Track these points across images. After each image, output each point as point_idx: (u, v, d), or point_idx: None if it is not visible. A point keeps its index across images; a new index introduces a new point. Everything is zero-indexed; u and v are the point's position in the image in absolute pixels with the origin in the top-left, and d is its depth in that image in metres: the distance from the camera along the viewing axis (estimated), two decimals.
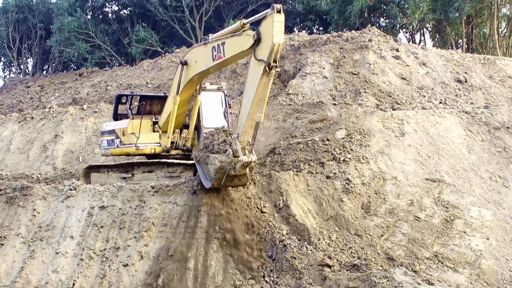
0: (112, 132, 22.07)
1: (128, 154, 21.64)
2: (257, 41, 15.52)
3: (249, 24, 16.72)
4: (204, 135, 20.29)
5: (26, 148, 31.80)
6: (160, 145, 21.07)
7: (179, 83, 19.66)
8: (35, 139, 32.15)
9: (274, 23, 14.98)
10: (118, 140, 21.50)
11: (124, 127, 21.27)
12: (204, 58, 18.26)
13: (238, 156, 15.82)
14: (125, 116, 22.51)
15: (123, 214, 17.11)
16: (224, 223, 16.58)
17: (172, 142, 21.08)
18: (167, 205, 17.19)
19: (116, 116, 23.17)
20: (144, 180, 20.11)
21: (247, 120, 15.79)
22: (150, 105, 23.00)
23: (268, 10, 15.26)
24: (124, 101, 23.66)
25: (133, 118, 21.58)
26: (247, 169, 16.48)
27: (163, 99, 22.04)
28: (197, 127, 21.19)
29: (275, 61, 15.10)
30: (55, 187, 18.50)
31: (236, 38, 16.59)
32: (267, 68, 15.09)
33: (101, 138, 23.21)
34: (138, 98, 23.20)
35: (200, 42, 19.40)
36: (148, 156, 21.32)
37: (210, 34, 18.98)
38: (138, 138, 20.68)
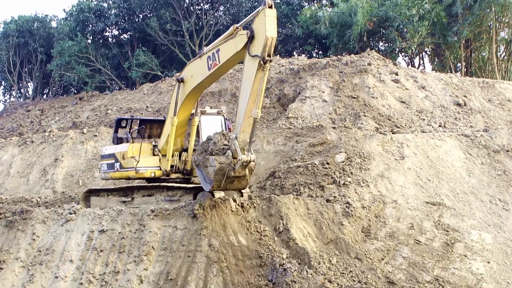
0: (111, 156, 22.04)
1: (128, 178, 21.61)
2: (251, 38, 15.95)
3: (241, 28, 16.95)
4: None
5: (26, 172, 31.79)
6: (160, 169, 21.06)
7: (176, 101, 19.78)
8: (35, 163, 32.15)
9: (266, 18, 15.42)
10: (118, 164, 21.47)
11: (124, 151, 21.26)
12: (200, 70, 18.59)
13: (237, 157, 16.01)
14: (124, 140, 22.55)
15: (123, 238, 17.07)
16: (224, 247, 16.54)
17: (172, 166, 21.09)
18: (167, 229, 17.16)
19: (116, 140, 23.18)
20: (144, 204, 20.07)
21: (245, 119, 16.10)
22: (150, 129, 23.08)
23: (260, 6, 15.77)
24: (124, 125, 23.66)
25: (133, 142, 21.63)
26: (247, 170, 16.64)
27: (162, 123, 22.11)
28: (196, 150, 21.21)
29: (269, 55, 15.48)
30: (54, 211, 18.47)
31: (230, 42, 17.01)
32: (261, 63, 15.48)
33: (101, 162, 23.10)
34: (138, 122, 23.29)
35: (195, 57, 19.64)
36: (148, 179, 21.31)
37: (205, 47, 19.31)
38: (138, 161, 20.68)
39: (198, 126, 21.17)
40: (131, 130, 22.97)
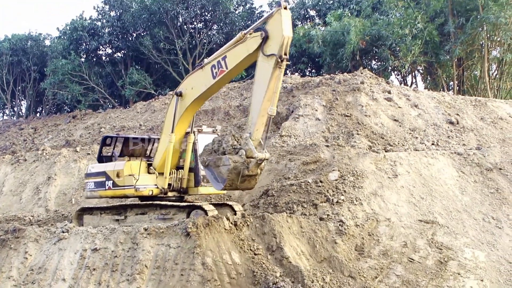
0: (101, 174, 21.82)
1: (124, 196, 21.53)
2: (265, 39, 16.68)
3: (252, 31, 17.36)
4: (202, 176, 20.62)
5: (18, 190, 31.70)
6: (157, 187, 20.99)
7: (174, 117, 19.86)
8: (28, 181, 32.08)
9: (283, 18, 16.39)
10: (111, 182, 21.35)
11: (119, 169, 21.16)
12: (202, 80, 18.96)
13: (252, 156, 16.45)
14: (109, 158, 22.53)
15: (116, 256, 17.01)
16: (217, 266, 16.50)
17: (168, 184, 21.05)
18: (160, 248, 17.10)
19: (101, 158, 23.09)
20: (137, 222, 20.02)
21: (259, 118, 16.65)
22: (133, 147, 23.06)
23: (274, 8, 16.83)
24: (108, 142, 23.57)
25: (129, 160, 21.66)
26: (259, 169, 17.05)
27: (145, 141, 22.26)
28: (192, 169, 21.19)
29: (285, 54, 16.31)
30: (47, 229, 18.42)
31: (239, 47, 17.62)
32: (279, 60, 16.22)
33: (87, 180, 22.78)
34: (122, 140, 23.27)
35: (195, 69, 19.89)
36: (143, 198, 21.26)
37: (205, 59, 19.57)
38: (137, 180, 20.61)
39: (194, 144, 21.14)
40: (114, 148, 22.99)
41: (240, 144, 16.88)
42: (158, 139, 23.31)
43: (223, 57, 18.16)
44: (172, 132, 20.08)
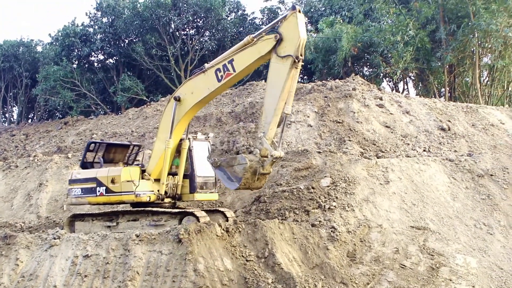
0: (91, 179, 21.67)
1: (121, 202, 21.45)
2: (279, 41, 17.41)
3: (264, 33, 18.15)
4: (198, 183, 20.83)
5: (10, 197, 31.58)
6: (154, 193, 20.94)
7: (173, 121, 19.93)
8: (19, 188, 31.97)
9: (298, 20, 17.20)
10: (103, 188, 21.24)
11: (115, 175, 21.11)
12: (205, 84, 19.37)
13: (266, 155, 17.36)
14: (92, 165, 22.48)
15: (107, 263, 16.98)
16: (209, 272, 16.49)
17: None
18: (152, 254, 17.09)
19: (85, 164, 22.96)
20: (129, 228, 19.98)
21: (274, 118, 17.37)
22: (114, 153, 23.05)
23: (288, 11, 17.67)
24: (92, 148, 23.47)
25: (127, 165, 21.66)
26: (271, 168, 17.84)
27: (126, 148, 22.39)
28: (187, 175, 21.19)
29: (301, 55, 17.30)
30: (38, 236, 18.37)
31: (249, 49, 18.31)
32: (296, 60, 17.19)
33: (71, 186, 22.45)
34: (105, 146, 23.25)
35: (194, 74, 20.16)
36: (136, 204, 21.20)
37: (206, 64, 19.84)
38: (137, 186, 20.59)
39: (190, 150, 21.13)
40: (96, 154, 22.98)
41: (252, 144, 17.30)
42: (139, 145, 23.38)
43: (230, 61, 18.63)
44: (170, 137, 20.10)
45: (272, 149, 17.17)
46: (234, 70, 18.58)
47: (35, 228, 24.09)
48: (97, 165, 22.74)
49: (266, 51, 17.71)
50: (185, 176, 21.16)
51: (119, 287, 16.28)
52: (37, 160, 34.40)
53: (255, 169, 17.35)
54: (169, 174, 21.08)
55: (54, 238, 17.96)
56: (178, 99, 19.96)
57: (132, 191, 20.52)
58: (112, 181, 21.02)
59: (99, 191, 21.31)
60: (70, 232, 20.98)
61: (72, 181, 22.53)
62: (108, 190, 21.12)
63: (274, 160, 17.36)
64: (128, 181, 20.69)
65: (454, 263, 19.59)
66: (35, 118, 69.41)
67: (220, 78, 18.88)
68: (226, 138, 30.38)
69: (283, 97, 17.24)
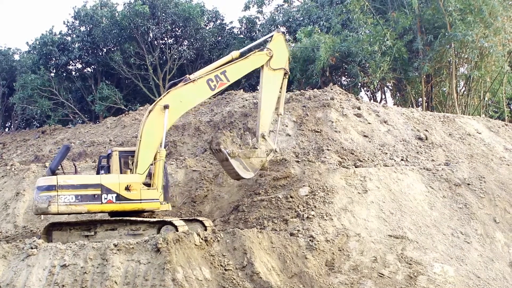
0: (93, 186, 20.86)
1: (138, 211, 21.05)
2: (271, 56, 23.29)
3: (257, 50, 23.73)
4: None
5: None
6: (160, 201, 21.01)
7: (164, 130, 20.53)
8: None
9: (284, 41, 24.23)
10: (113, 195, 20.74)
11: (131, 181, 20.79)
12: (197, 93, 21.59)
13: (271, 148, 23.40)
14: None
15: (85, 272, 16.84)
16: (188, 281, 16.45)
17: None
18: (130, 264, 16.99)
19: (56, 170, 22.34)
20: (107, 238, 19.81)
21: (270, 118, 23.49)
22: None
23: (274, 32, 24.18)
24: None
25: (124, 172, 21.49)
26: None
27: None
28: (164, 186, 21.20)
29: (287, 67, 24.03)
30: (15, 246, 18.17)
31: (242, 62, 22.85)
32: (288, 72, 24.26)
33: (60, 192, 20.92)
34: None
35: (180, 83, 21.51)
36: (110, 213, 21.06)
37: (189, 75, 21.97)
38: (161, 193, 21.04)
39: (165, 162, 21.16)
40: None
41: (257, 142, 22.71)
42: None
43: (223, 72, 21.91)
44: (161, 146, 20.29)
45: (273, 144, 23.19)
46: (228, 80, 21.96)
47: (12, 238, 23.87)
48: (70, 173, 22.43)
49: (259, 65, 23.24)
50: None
51: None
52: (14, 169, 34.07)
53: (265, 162, 23.08)
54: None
55: (31, 248, 17.79)
56: (167, 107, 20.50)
57: (157, 199, 20.74)
58: (127, 188, 20.70)
59: (105, 198, 20.83)
60: (47, 241, 20.70)
61: (61, 187, 20.97)
62: (120, 198, 20.77)
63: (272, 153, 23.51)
64: (148, 188, 20.78)
65: (431, 271, 19.71)
66: (12, 127, 68.85)
67: (213, 87, 21.68)
68: (204, 147, 30.40)
69: (278, 101, 23.38)
